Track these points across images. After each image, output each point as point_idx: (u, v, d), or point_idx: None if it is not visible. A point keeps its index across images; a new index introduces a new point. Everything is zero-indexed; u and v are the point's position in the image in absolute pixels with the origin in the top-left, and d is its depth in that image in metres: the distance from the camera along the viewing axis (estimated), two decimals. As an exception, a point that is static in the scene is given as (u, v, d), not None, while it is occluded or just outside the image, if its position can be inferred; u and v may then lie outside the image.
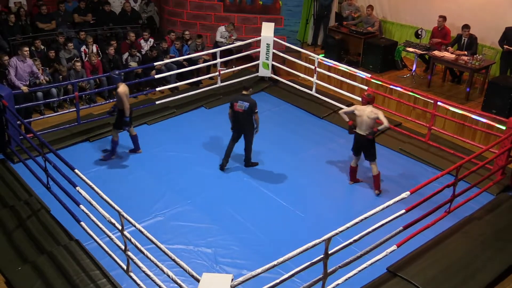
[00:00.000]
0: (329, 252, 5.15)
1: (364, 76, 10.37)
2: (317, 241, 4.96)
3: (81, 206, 6.24)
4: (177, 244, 6.57)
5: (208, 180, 8.04)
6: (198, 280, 4.47)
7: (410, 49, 10.75)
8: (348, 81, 10.31)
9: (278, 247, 6.30)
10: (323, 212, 7.39)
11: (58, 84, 9.60)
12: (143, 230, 5.17)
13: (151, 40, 11.54)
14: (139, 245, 5.29)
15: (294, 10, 12.62)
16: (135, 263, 5.50)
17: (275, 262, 4.72)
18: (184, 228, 6.93)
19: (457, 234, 6.75)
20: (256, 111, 7.97)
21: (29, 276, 5.88)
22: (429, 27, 11.10)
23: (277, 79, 11.46)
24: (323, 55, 11.59)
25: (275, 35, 11.14)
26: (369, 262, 5.65)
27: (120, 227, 5.50)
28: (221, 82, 11.03)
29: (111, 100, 9.96)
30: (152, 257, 5.20)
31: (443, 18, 10.61)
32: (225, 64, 11.94)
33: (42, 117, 9.47)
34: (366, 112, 7.41)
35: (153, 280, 5.30)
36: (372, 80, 10.21)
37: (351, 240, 5.27)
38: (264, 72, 11.33)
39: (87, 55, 10.67)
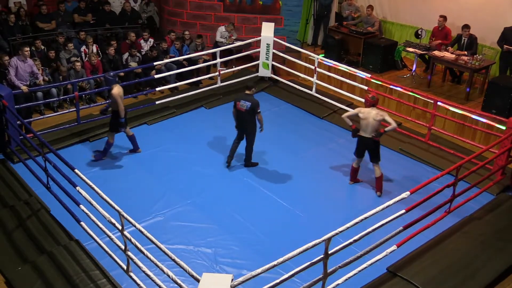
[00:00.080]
0: (329, 252, 5.15)
1: (364, 76, 10.37)
2: (317, 241, 4.96)
3: (81, 206, 6.24)
4: (177, 244, 6.57)
5: (208, 180, 8.04)
6: (198, 280, 4.47)
7: (410, 49, 10.75)
8: (348, 81, 10.31)
9: (278, 247, 6.30)
10: (323, 212, 7.39)
11: (58, 84, 9.60)
12: (143, 230, 5.17)
13: (151, 40, 11.54)
14: (139, 245, 5.29)
15: (294, 10, 12.62)
16: (135, 263, 5.50)
17: (275, 262, 4.72)
18: (184, 228, 6.93)
19: (457, 234, 6.75)
20: (259, 111, 7.96)
21: (29, 276, 5.88)
22: (429, 27, 11.10)
23: (277, 79, 11.46)
24: (323, 55, 11.59)
25: (275, 35, 11.14)
26: (369, 262, 5.66)
27: (120, 227, 5.50)
28: (221, 82, 11.03)
29: (111, 100, 9.94)
30: (152, 257, 5.20)
31: (444, 18, 10.61)
32: (225, 64, 11.94)
33: (42, 117, 9.47)
34: (371, 115, 7.36)
35: (153, 280, 5.30)
36: (372, 80, 10.21)
37: (351, 240, 5.27)
38: (264, 72, 11.33)
39: (87, 55, 10.67)
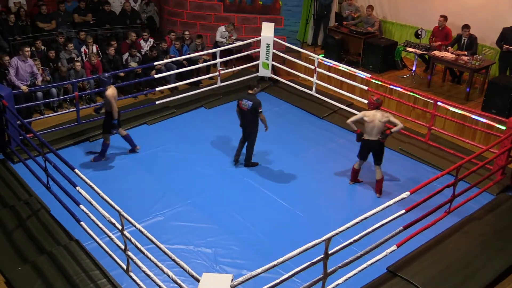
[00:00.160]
0: (329, 252, 5.15)
1: (364, 76, 10.37)
2: (317, 241, 4.96)
3: (81, 206, 6.24)
4: (177, 244, 6.57)
5: (208, 180, 8.04)
6: (198, 280, 4.47)
7: (410, 49, 10.75)
8: (348, 81, 10.31)
9: (278, 247, 6.30)
10: (323, 212, 7.39)
11: (58, 84, 9.59)
12: (143, 230, 5.17)
13: (151, 40, 11.54)
14: (139, 245, 5.29)
15: (294, 10, 12.62)
16: (135, 263, 5.50)
17: (275, 262, 4.72)
18: (184, 228, 6.93)
19: (457, 234, 6.75)
20: (260, 110, 7.94)
21: (29, 276, 5.88)
22: (429, 27, 11.10)
23: (277, 79, 11.46)
24: (323, 55, 11.59)
25: (275, 35, 11.14)
26: (369, 262, 5.65)
27: (120, 227, 5.50)
28: (221, 82, 11.03)
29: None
30: (152, 257, 5.20)
31: (444, 18, 10.61)
32: (225, 64, 11.94)
33: (42, 117, 9.47)
34: (377, 117, 7.32)
35: (153, 280, 5.30)
36: (372, 80, 10.21)
37: (351, 240, 5.27)
38: (264, 72, 11.33)
39: (87, 55, 10.67)
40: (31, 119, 9.12)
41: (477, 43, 10.31)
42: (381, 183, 7.68)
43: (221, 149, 8.95)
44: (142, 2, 13.12)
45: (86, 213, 6.10)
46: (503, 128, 8.16)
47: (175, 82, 10.91)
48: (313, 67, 10.56)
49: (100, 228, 5.92)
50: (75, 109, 9.19)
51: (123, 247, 5.62)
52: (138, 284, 5.56)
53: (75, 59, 10.23)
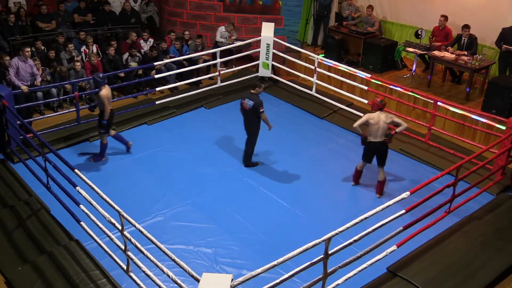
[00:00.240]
0: (329, 252, 5.15)
1: (364, 76, 10.37)
2: (317, 241, 4.96)
3: (81, 206, 6.24)
4: (177, 244, 6.57)
5: (208, 180, 8.04)
6: (198, 280, 4.47)
7: (410, 49, 10.75)
8: (348, 81, 10.31)
9: (278, 247, 6.29)
10: (323, 212, 7.39)
11: (58, 84, 9.60)
12: (143, 230, 5.17)
13: (151, 40, 11.54)
14: (139, 245, 5.30)
15: (294, 10, 12.62)
16: (135, 263, 5.50)
17: (275, 262, 4.72)
18: (184, 228, 6.93)
19: (457, 234, 6.75)
20: (262, 110, 7.93)
21: (29, 276, 5.88)
22: (429, 27, 11.10)
23: (277, 79, 11.46)
24: (323, 55, 11.59)
25: (275, 35, 11.14)
26: (369, 262, 5.66)
27: (120, 227, 5.50)
28: (221, 82, 11.03)
29: (111, 100, 9.94)
30: (152, 257, 5.20)
31: (445, 17, 10.61)
32: (225, 64, 11.94)
33: (42, 117, 9.47)
34: (382, 118, 7.29)
35: (153, 280, 5.30)
36: (372, 80, 10.21)
37: (351, 240, 5.27)
38: (264, 72, 11.33)
39: (87, 55, 10.67)
40: (31, 119, 9.12)
41: (477, 43, 10.31)
42: (383, 184, 7.67)
43: (221, 149, 8.96)
44: (142, 2, 13.12)
45: (86, 213, 6.10)
46: (503, 128, 8.16)
47: (175, 82, 10.92)
48: (313, 67, 10.56)
49: (100, 228, 5.92)
50: (75, 109, 9.19)
51: (123, 247, 5.62)
52: (138, 284, 5.56)
53: (75, 59, 10.23)
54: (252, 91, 8.04)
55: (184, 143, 9.14)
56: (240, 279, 4.52)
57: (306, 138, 9.46)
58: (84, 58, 10.73)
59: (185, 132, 9.54)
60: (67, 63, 10.31)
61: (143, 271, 5.40)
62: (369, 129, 7.39)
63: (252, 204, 7.51)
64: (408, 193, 5.82)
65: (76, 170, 6.28)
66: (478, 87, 10.18)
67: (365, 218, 5.33)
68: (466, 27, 10.18)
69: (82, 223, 6.36)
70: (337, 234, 5.06)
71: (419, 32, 10.87)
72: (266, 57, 11.16)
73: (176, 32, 11.82)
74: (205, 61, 11.34)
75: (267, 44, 11.01)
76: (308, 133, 9.67)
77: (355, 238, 5.28)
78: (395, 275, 6.03)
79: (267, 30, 11.08)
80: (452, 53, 10.22)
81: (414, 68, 10.79)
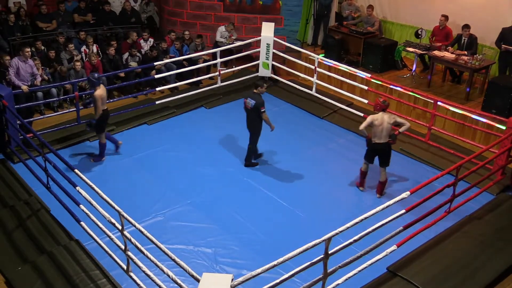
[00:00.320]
0: (329, 252, 5.15)
1: (364, 76, 10.37)
2: (317, 241, 4.96)
3: (81, 206, 6.25)
4: (177, 244, 6.57)
5: (208, 180, 8.04)
6: (198, 280, 4.47)
7: (410, 49, 10.75)
8: (348, 81, 10.31)
9: (278, 247, 6.29)
10: (323, 212, 7.39)
11: (58, 84, 9.60)
12: (143, 230, 5.17)
13: (151, 40, 11.54)
14: (139, 245, 5.30)
15: (294, 10, 12.62)
16: (135, 263, 5.50)
17: (275, 262, 4.72)
18: (184, 228, 6.93)
19: (457, 234, 6.75)
20: (263, 110, 7.93)
21: (29, 276, 5.88)
22: (429, 27, 11.10)
23: (277, 79, 11.46)
24: (323, 55, 11.59)
25: (275, 35, 11.14)
26: (369, 262, 5.66)
27: (120, 227, 5.50)
28: (221, 82, 11.03)
29: (111, 100, 9.95)
30: (152, 257, 5.20)
31: (446, 17, 10.61)
32: (225, 64, 11.94)
33: (42, 117, 9.48)
34: (385, 119, 7.26)
35: (153, 280, 5.30)
36: (372, 80, 10.21)
37: (351, 240, 5.27)
38: (264, 72, 11.33)
39: (87, 55, 10.67)
40: (32, 119, 9.12)
41: (477, 43, 10.31)
42: (384, 185, 7.67)
43: (221, 149, 8.96)
44: (142, 2, 13.12)
45: (86, 213, 6.10)
46: (503, 128, 8.16)
47: (175, 82, 10.92)
48: (313, 67, 10.56)
49: (100, 228, 5.92)
50: (75, 109, 9.19)
51: (123, 247, 5.62)
52: (138, 284, 5.56)
53: (75, 58, 10.22)
54: (255, 90, 8.05)
55: (184, 143, 9.14)
56: (240, 279, 4.52)
57: (306, 138, 9.46)
58: (84, 58, 10.73)
59: (185, 132, 9.54)
60: (67, 63, 10.31)
61: (143, 271, 5.40)
62: (373, 130, 7.34)
63: (252, 204, 7.51)
64: (408, 193, 5.82)
65: (76, 170, 6.28)
66: (478, 87, 10.18)
67: (365, 218, 5.33)
68: (466, 27, 10.18)
69: (82, 223, 6.36)
70: (337, 234, 5.06)
71: (419, 32, 10.87)
72: (266, 57, 11.15)
73: (176, 32, 11.82)
74: (205, 61, 11.34)
75: (267, 44, 11.01)
76: (308, 133, 9.67)
77: (355, 238, 5.28)
78: (395, 275, 6.03)
79: (267, 30, 11.08)
80: (452, 53, 10.22)
81: (414, 68, 10.78)
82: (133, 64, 10.78)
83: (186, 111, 10.30)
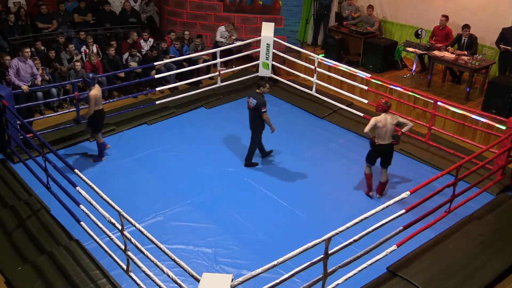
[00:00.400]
0: (329, 252, 5.16)
1: (364, 76, 10.37)
2: (317, 241, 4.96)
3: (81, 206, 6.24)
4: (177, 244, 6.57)
5: (208, 180, 8.04)
6: (198, 280, 4.47)
7: (410, 49, 10.75)
8: (348, 81, 10.31)
9: (278, 247, 6.29)
10: (323, 212, 7.39)
11: (58, 84, 9.60)
12: (143, 230, 5.17)
13: (151, 40, 11.54)
14: (139, 245, 5.30)
15: (294, 10, 12.62)
16: (135, 263, 5.50)
17: (275, 262, 4.72)
18: (184, 228, 6.93)
19: (457, 234, 6.75)
20: (264, 110, 7.92)
21: (29, 276, 5.88)
22: (429, 27, 11.10)
23: (277, 79, 11.46)
24: (323, 55, 11.59)
25: (275, 35, 11.14)
26: (369, 262, 5.65)
27: (120, 227, 5.50)
28: (221, 82, 11.03)
29: (111, 100, 9.97)
30: (152, 257, 5.20)
31: (446, 17, 10.61)
32: (225, 64, 11.94)
33: (42, 117, 9.48)
34: (388, 120, 7.23)
35: (153, 280, 5.30)
36: (372, 80, 10.21)
37: (351, 240, 5.27)
38: (264, 72, 11.33)
39: (87, 55, 10.67)
40: (32, 119, 9.12)
41: (477, 43, 10.31)
42: (384, 185, 7.66)
43: (221, 149, 8.95)
44: (142, 2, 13.12)
45: (86, 213, 6.10)
46: (503, 128, 8.16)
47: (175, 82, 10.92)
48: (313, 67, 10.56)
49: (100, 228, 5.92)
50: (75, 109, 9.19)
51: (123, 247, 5.62)
52: (138, 284, 5.56)
53: (75, 58, 10.22)
54: (257, 90, 8.05)
55: (184, 143, 9.14)
56: (240, 279, 4.52)
57: (306, 138, 9.46)
58: (84, 58, 10.73)
59: (185, 132, 9.54)
60: (67, 63, 10.31)
61: (143, 271, 5.40)
62: (377, 132, 7.30)
63: (252, 204, 7.51)
64: (408, 193, 5.82)
65: (76, 170, 6.28)
66: (478, 87, 10.18)
67: (365, 218, 5.33)
68: (466, 27, 10.18)
69: (82, 223, 6.36)
70: (337, 234, 5.06)
71: (419, 32, 10.87)
72: (266, 57, 11.15)
73: (176, 32, 11.82)
74: (205, 61, 11.34)
75: (267, 44, 11.01)
76: (308, 133, 9.67)
77: (355, 238, 5.28)
78: (395, 275, 6.03)
79: (267, 30, 11.08)
80: (452, 53, 10.22)
81: (414, 68, 10.78)
82: (133, 64, 10.78)
83: (186, 111, 10.30)
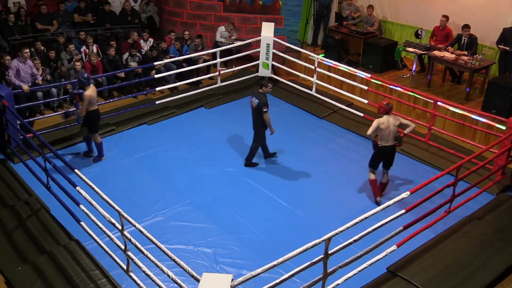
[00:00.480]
0: (329, 252, 5.16)
1: (364, 76, 10.37)
2: (317, 241, 4.96)
3: (81, 206, 6.24)
4: (177, 244, 6.57)
5: (208, 180, 8.04)
6: (198, 280, 4.47)
7: (410, 49, 10.75)
8: (348, 81, 10.31)
9: (278, 247, 6.29)
10: (323, 212, 7.39)
11: (58, 84, 9.60)
12: (143, 230, 5.17)
13: (151, 40, 11.54)
14: (139, 245, 5.30)
15: (294, 10, 12.62)
16: (135, 263, 5.50)
17: (275, 262, 4.72)
18: (184, 228, 6.93)
19: (457, 234, 6.75)
20: (265, 110, 7.91)
21: (29, 276, 5.88)
22: (429, 27, 11.10)
23: (277, 79, 11.46)
24: (323, 55, 11.59)
25: (275, 35, 11.14)
26: (369, 262, 5.65)
27: (120, 227, 5.50)
28: (221, 82, 11.03)
29: (111, 100, 9.97)
30: (152, 257, 5.20)
31: (446, 18, 10.61)
32: (225, 64, 11.94)
33: (42, 117, 9.47)
34: (391, 122, 7.19)
35: (153, 280, 5.30)
36: (372, 80, 10.21)
37: (351, 240, 5.27)
38: (264, 72, 11.33)
39: (87, 55, 10.67)
40: (32, 119, 9.12)
41: (477, 43, 10.31)
42: (385, 186, 7.65)
43: (221, 149, 8.95)
44: (142, 2, 13.12)
45: (86, 213, 6.10)
46: (503, 128, 8.16)
47: (175, 82, 10.92)
48: (313, 67, 10.56)
49: (100, 228, 5.92)
50: (75, 109, 9.18)
51: (123, 247, 5.62)
52: (138, 284, 5.56)
53: (75, 58, 10.22)
54: (260, 90, 8.06)
55: (184, 143, 9.14)
56: (240, 279, 4.52)
57: (306, 138, 9.46)
58: (84, 58, 10.73)
59: (185, 132, 9.54)
60: (67, 63, 10.30)
61: (143, 271, 5.40)
62: (380, 134, 7.26)
63: (252, 204, 7.51)
64: (408, 193, 5.81)
65: (76, 170, 6.28)
66: (478, 87, 10.18)
67: (365, 218, 5.33)
68: (466, 27, 10.18)
69: (82, 223, 6.36)
70: (337, 234, 5.06)
71: (419, 32, 10.87)
72: (266, 57, 11.15)
73: (176, 32, 11.82)
74: (205, 61, 11.34)
75: (267, 44, 11.01)
76: (308, 133, 9.67)
77: (355, 238, 5.28)
78: (395, 275, 6.03)
79: (267, 30, 11.08)
80: (452, 53, 10.22)
81: (414, 68, 10.78)
82: (133, 64, 10.78)
83: (186, 111, 10.30)
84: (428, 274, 5.98)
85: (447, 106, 9.10)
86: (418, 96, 9.56)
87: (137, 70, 10.54)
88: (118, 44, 11.11)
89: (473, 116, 8.85)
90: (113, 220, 5.56)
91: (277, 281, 4.87)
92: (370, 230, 5.36)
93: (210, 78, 11.21)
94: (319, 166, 8.53)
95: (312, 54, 11.00)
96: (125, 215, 5.39)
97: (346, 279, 5.51)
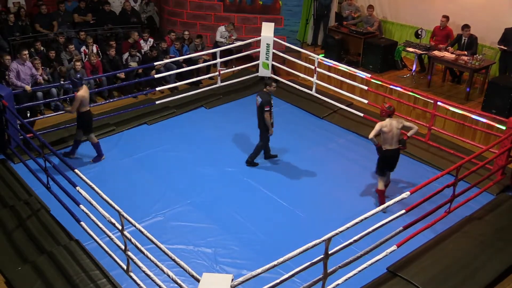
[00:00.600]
0: (329, 252, 5.15)
1: (364, 76, 10.37)
2: (317, 241, 4.96)
3: (81, 206, 6.24)
4: (177, 244, 6.57)
5: (208, 180, 8.04)
6: (198, 280, 4.47)
7: (410, 49, 10.75)
8: (348, 81, 10.31)
9: (278, 247, 6.29)
10: (323, 212, 7.39)
11: (58, 84, 9.60)
12: (143, 230, 5.17)
13: (151, 40, 11.54)
14: (139, 245, 5.30)
15: (294, 10, 12.62)
16: (135, 263, 5.50)
17: (275, 262, 4.73)
18: (184, 228, 6.93)
19: (457, 234, 6.75)
20: (266, 110, 7.92)
21: (29, 276, 5.88)
22: (429, 27, 11.10)
23: (277, 79, 11.44)
24: (323, 55, 11.59)
25: (275, 35, 11.14)
26: (369, 262, 5.65)
27: (120, 227, 5.50)
28: (221, 82, 11.03)
29: (111, 100, 9.97)
30: (152, 257, 5.20)
31: (447, 18, 10.61)
32: (225, 64, 11.94)
33: (42, 117, 9.47)
34: (394, 125, 7.14)
35: (153, 280, 5.30)
36: (372, 80, 10.21)
37: (351, 240, 5.27)
38: (264, 72, 11.33)
39: (87, 55, 10.67)
40: (32, 119, 9.12)
41: (477, 43, 10.30)
42: (386, 187, 7.64)
43: (221, 149, 8.95)
44: (142, 2, 13.12)
45: (86, 213, 6.10)
46: (503, 128, 8.16)
47: (175, 82, 10.92)
48: (313, 67, 10.56)
49: (100, 228, 5.92)
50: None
51: (123, 247, 5.62)
52: (138, 284, 5.56)
53: (75, 58, 10.22)
54: (264, 89, 8.07)
55: (184, 143, 9.14)
56: (240, 279, 4.52)
57: (306, 138, 9.46)
58: (84, 58, 10.73)
59: (185, 132, 9.54)
60: (67, 63, 10.30)
61: (143, 271, 5.40)
62: (383, 137, 7.21)
63: (252, 204, 7.51)
64: (408, 193, 5.82)
65: (76, 170, 6.28)
66: (478, 87, 10.18)
67: (365, 218, 5.33)
68: (466, 27, 10.18)
69: (82, 223, 6.36)
70: (337, 234, 5.06)
71: (419, 32, 10.87)
72: (266, 57, 11.16)
73: (176, 32, 11.82)
74: (205, 61, 11.34)
75: (267, 44, 11.01)
76: (308, 133, 9.67)
77: (355, 238, 5.28)
78: (395, 275, 6.03)
79: (267, 30, 11.08)
80: (452, 53, 10.22)
81: (414, 68, 10.78)
82: (133, 64, 10.78)
83: (186, 111, 10.30)
84: (428, 274, 5.98)
85: (447, 106, 9.10)
86: (418, 96, 9.56)
87: (137, 70, 10.53)
88: (118, 44, 11.11)
89: (473, 116, 8.85)
90: (113, 220, 5.56)
91: (277, 281, 4.87)
92: (370, 230, 5.36)
93: (210, 78, 11.21)
94: (319, 166, 8.53)
95: (312, 54, 11.00)
96: (125, 215, 5.39)
97: (346, 279, 5.51)
